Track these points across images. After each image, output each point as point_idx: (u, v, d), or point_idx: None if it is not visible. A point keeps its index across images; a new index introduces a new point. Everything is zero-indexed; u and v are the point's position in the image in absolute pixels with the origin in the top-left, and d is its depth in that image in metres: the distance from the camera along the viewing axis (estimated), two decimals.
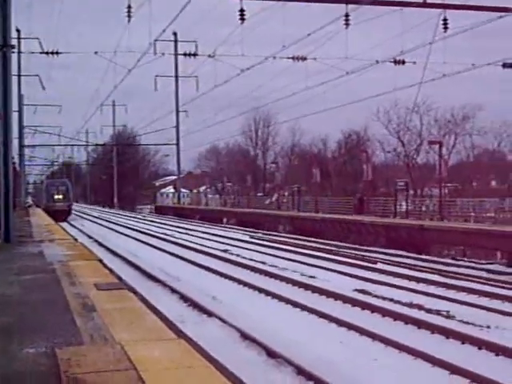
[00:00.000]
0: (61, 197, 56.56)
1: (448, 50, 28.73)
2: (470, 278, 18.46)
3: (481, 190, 54.06)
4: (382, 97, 41.74)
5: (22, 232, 21.18)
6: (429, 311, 13.77)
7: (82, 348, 5.82)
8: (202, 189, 75.22)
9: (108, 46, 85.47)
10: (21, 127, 61.91)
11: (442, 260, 24.37)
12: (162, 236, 35.20)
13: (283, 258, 24.05)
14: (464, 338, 11.14)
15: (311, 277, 19.06)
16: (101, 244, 30.30)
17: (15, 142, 49.34)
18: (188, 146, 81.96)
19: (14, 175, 19.94)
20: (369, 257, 24.22)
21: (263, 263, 22.40)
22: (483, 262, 24.07)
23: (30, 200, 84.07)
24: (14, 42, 25.23)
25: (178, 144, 69.25)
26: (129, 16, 24.38)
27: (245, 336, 11.39)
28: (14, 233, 17.71)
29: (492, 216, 27.97)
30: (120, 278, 11.99)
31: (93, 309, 7.57)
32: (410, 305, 14.46)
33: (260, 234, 36.56)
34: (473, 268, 21.53)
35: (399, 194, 33.62)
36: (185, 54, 40.63)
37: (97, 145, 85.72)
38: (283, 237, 34.68)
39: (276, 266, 21.60)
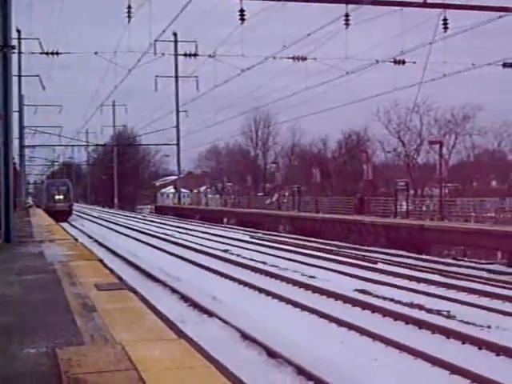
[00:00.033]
0: (61, 197, 56.42)
1: (448, 50, 28.77)
2: (470, 278, 18.46)
3: (481, 189, 54.07)
4: (382, 97, 41.81)
5: (23, 232, 21.18)
6: (429, 311, 13.77)
7: (82, 348, 5.82)
8: (202, 189, 75.25)
9: (108, 46, 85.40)
10: (21, 127, 61.91)
11: (443, 260, 24.36)
12: (162, 236, 35.20)
13: (283, 258, 24.05)
14: (465, 338, 11.14)
15: (311, 277, 19.06)
16: (101, 244, 30.30)
17: (15, 143, 49.31)
18: (188, 146, 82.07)
19: (14, 175, 19.95)
20: (369, 257, 24.21)
21: (263, 263, 22.40)
22: (484, 262, 24.07)
23: (30, 200, 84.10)
24: (15, 42, 25.27)
25: (178, 144, 69.29)
26: (129, 16, 24.38)
27: (245, 336, 11.39)
28: (14, 233, 17.71)
29: (492, 216, 27.97)
30: (120, 278, 11.99)
31: (93, 309, 7.57)
32: (411, 305, 14.46)
33: (260, 234, 36.56)
34: (473, 268, 21.52)
35: (399, 193, 33.62)
36: (185, 55, 40.62)
37: (97, 145, 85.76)
38: (283, 237, 34.67)
39: (276, 266, 21.59)
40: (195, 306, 14.50)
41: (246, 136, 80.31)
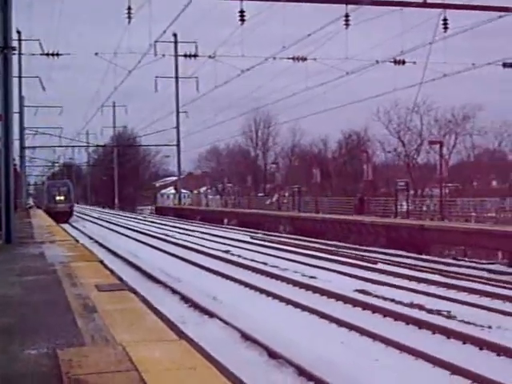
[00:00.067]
0: (62, 198, 56.25)
1: (448, 50, 28.78)
2: (470, 278, 18.45)
3: (481, 189, 54.06)
4: (382, 97, 41.68)
5: (23, 233, 21.17)
6: (430, 311, 13.76)
7: (83, 349, 5.82)
8: (202, 189, 75.35)
9: (108, 47, 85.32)
10: (21, 129, 61.90)
11: (443, 260, 24.36)
12: (162, 237, 35.19)
13: (284, 258, 24.05)
14: (465, 338, 11.14)
15: (312, 277, 19.06)
16: (102, 245, 30.30)
17: (16, 144, 49.27)
18: (188, 147, 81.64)
19: (14, 176, 19.96)
20: (369, 257, 24.21)
21: (264, 264, 22.39)
22: (484, 262, 24.07)
23: (31, 201, 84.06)
24: (15, 43, 25.29)
25: (178, 145, 69.28)
26: (129, 17, 24.39)
27: (246, 337, 11.39)
28: (15, 234, 17.71)
29: (493, 216, 27.96)
30: (121, 279, 11.99)
31: (94, 310, 7.58)
32: (411, 305, 14.45)
33: (261, 235, 36.55)
34: (474, 268, 21.52)
35: (400, 194, 33.62)
36: (185, 55, 40.72)
37: (97, 146, 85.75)
38: (284, 237, 34.68)
39: (277, 267, 21.59)
40: (196, 306, 14.50)
41: (246, 136, 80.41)
